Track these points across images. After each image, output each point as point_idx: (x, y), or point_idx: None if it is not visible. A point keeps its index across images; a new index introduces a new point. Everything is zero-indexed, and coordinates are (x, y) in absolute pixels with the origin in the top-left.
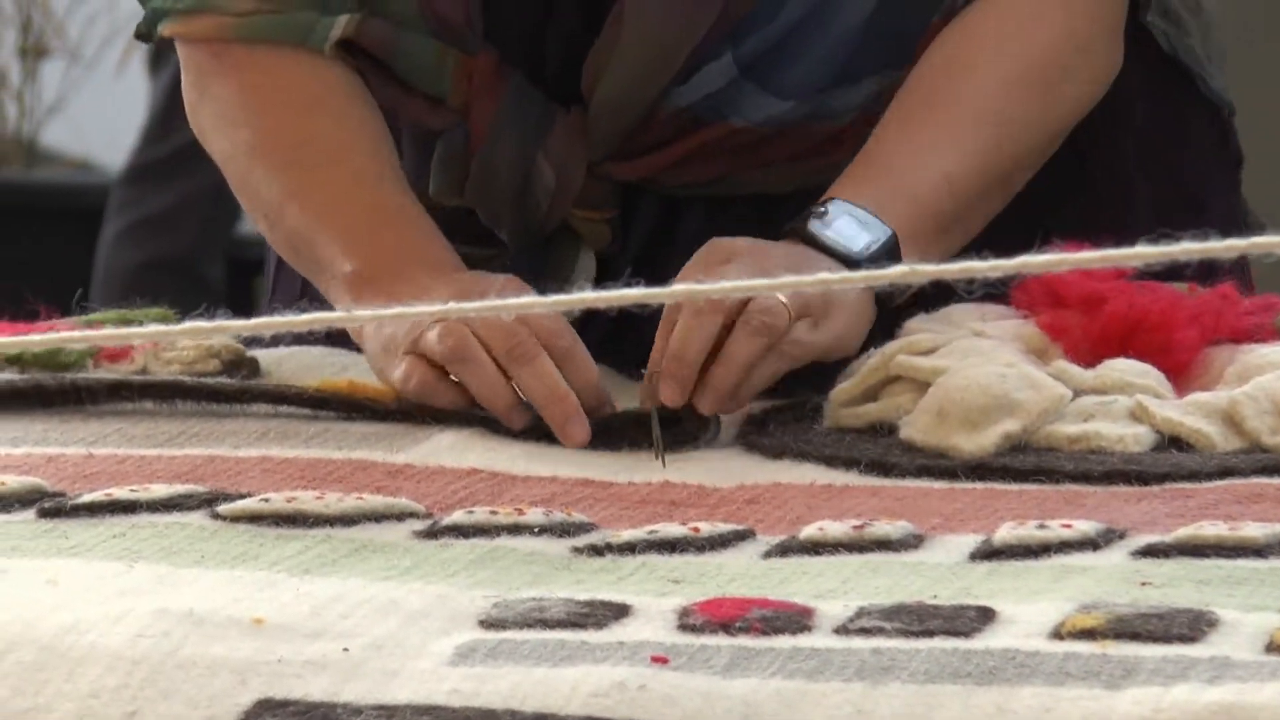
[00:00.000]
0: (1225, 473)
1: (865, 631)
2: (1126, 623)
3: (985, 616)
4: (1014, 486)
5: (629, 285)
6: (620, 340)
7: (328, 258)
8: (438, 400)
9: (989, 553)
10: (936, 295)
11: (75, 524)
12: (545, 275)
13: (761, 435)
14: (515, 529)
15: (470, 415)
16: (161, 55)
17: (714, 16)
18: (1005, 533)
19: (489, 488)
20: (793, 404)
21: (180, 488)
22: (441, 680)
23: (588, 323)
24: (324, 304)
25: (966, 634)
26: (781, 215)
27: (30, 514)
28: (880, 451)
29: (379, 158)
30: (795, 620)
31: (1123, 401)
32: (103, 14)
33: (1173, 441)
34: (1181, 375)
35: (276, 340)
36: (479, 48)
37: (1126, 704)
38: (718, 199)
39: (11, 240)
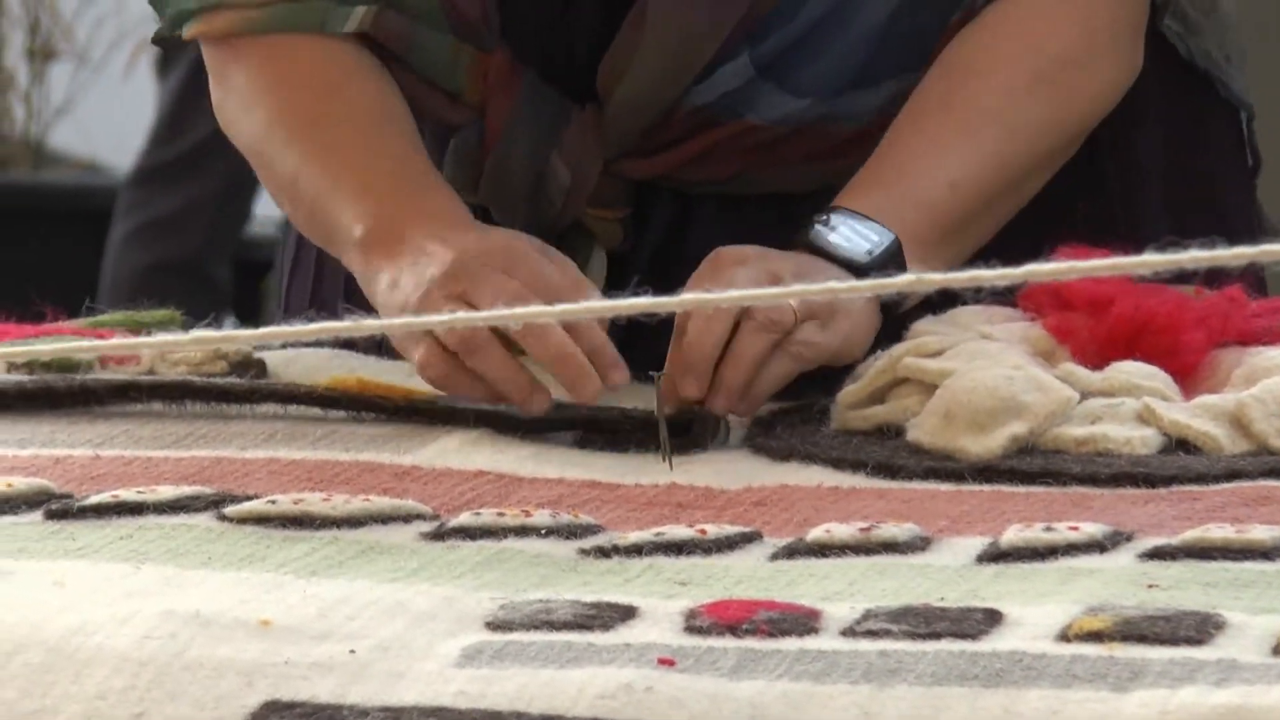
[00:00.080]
0: (1232, 475)
1: (872, 634)
2: (1134, 625)
3: (992, 619)
4: (1021, 489)
5: (638, 293)
6: (630, 347)
7: (341, 224)
8: (456, 391)
9: (996, 555)
10: (943, 299)
11: (82, 525)
12: None
13: (769, 437)
14: (522, 531)
15: (478, 416)
16: (170, 58)
17: (738, 16)
18: (1012, 535)
19: (496, 489)
20: (800, 406)
21: (187, 489)
22: (448, 682)
23: None
24: (334, 312)
25: (973, 636)
26: (797, 215)
27: (37, 515)
28: (887, 454)
29: (392, 123)
30: (802, 622)
31: (1130, 404)
32: (110, 16)
33: (1180, 444)
34: (1189, 378)
35: (284, 342)
36: (495, 44)
37: (1133, 706)
38: (732, 198)
39: (19, 242)
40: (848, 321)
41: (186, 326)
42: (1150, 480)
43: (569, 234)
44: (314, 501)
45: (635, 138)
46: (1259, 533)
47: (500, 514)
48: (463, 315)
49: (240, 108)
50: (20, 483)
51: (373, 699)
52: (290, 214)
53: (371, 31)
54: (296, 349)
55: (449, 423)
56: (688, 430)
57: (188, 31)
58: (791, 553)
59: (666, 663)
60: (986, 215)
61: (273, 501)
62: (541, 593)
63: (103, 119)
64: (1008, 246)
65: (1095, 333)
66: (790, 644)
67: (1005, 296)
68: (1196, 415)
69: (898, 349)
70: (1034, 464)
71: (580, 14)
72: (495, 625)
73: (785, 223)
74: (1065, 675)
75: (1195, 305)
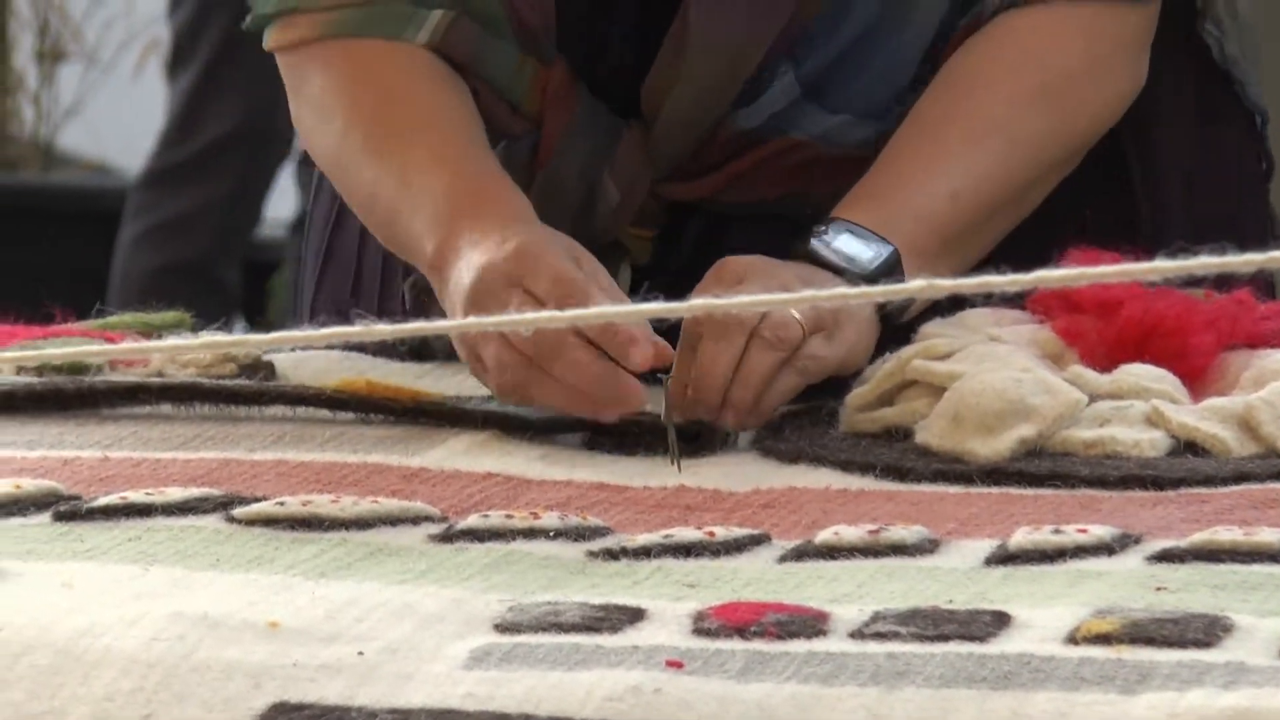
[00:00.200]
0: (1241, 478)
1: (880, 636)
2: (1142, 628)
3: (1000, 621)
4: (1029, 491)
5: (647, 298)
6: None
7: (415, 240)
8: (531, 399)
9: (1004, 557)
10: (951, 304)
11: (91, 527)
12: None
13: (777, 440)
14: (530, 533)
15: (486, 418)
16: (180, 60)
17: (778, 30)
18: (1021, 537)
19: (504, 491)
20: (808, 409)
21: (196, 491)
22: (456, 684)
23: None
24: (345, 317)
25: (982, 639)
26: None
27: (46, 517)
28: (896, 456)
29: (465, 132)
30: (810, 624)
31: (1138, 406)
32: (120, 18)
33: (1188, 446)
34: (1197, 380)
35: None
36: (554, 56)
37: (1141, 709)
38: (762, 217)
39: (28, 243)
40: (853, 330)
41: (196, 329)
42: (1159, 483)
43: (604, 250)
44: (322, 503)
45: (682, 159)
46: (1267, 535)
47: (508, 516)
48: (473, 321)
49: (317, 116)
50: (29, 484)
51: (381, 701)
52: (370, 227)
53: (442, 46)
54: (306, 351)
55: (457, 424)
56: (696, 438)
57: (267, 42)
58: (800, 555)
59: (675, 665)
60: (987, 226)
61: (281, 503)
62: (550, 595)
63: (112, 120)
64: (1015, 254)
65: (1104, 335)
66: (798, 646)
67: (1014, 299)
68: (1205, 418)
69: (906, 351)
70: (1042, 466)
71: (620, 28)
72: (503, 627)
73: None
74: (1073, 678)
75: (1204, 308)
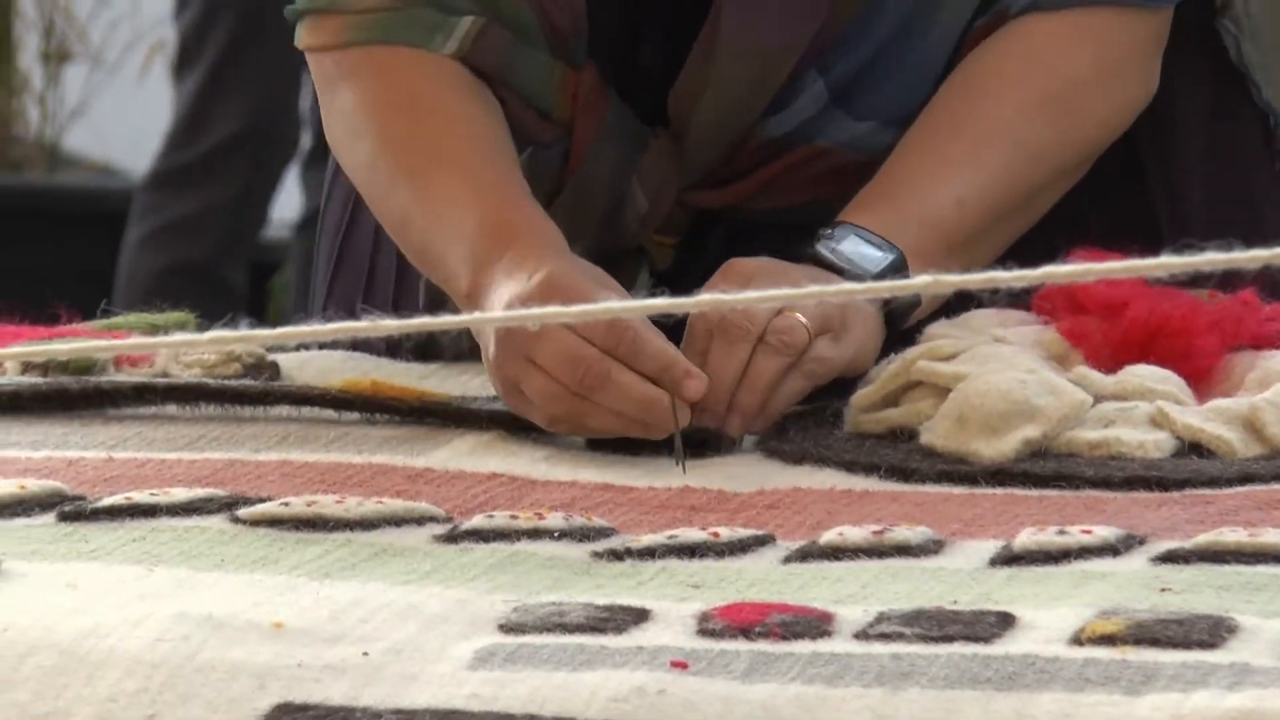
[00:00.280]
0: (1246, 479)
1: (885, 637)
2: (1146, 628)
3: (1005, 622)
4: (1034, 492)
5: (653, 294)
6: None
7: (449, 273)
8: (586, 429)
9: (1009, 558)
10: (956, 306)
11: (95, 528)
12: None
13: (782, 441)
14: (535, 533)
15: (491, 418)
16: (186, 62)
17: (810, 36)
18: (1025, 538)
19: (509, 492)
20: (813, 409)
21: (200, 492)
22: (461, 684)
23: None
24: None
25: (986, 639)
26: None
27: (50, 517)
28: (900, 457)
29: (494, 151)
30: (815, 625)
31: (1143, 408)
32: (125, 19)
33: (1193, 448)
34: (1202, 381)
35: (299, 345)
36: (584, 60)
37: (1146, 710)
38: (787, 225)
39: (33, 243)
40: (859, 332)
41: (200, 329)
42: (1163, 484)
43: (625, 255)
44: (327, 504)
45: (711, 167)
46: (1272, 536)
47: (513, 516)
48: (476, 316)
49: (347, 133)
50: (34, 485)
51: (385, 701)
52: (402, 249)
53: (470, 55)
54: (310, 351)
55: (462, 425)
56: (702, 444)
57: (299, 41)
58: (804, 556)
59: (679, 665)
60: (993, 233)
61: (286, 504)
62: (554, 595)
63: (117, 121)
64: (1025, 259)
65: (1109, 336)
66: (803, 647)
67: (1019, 300)
68: (1210, 419)
69: (911, 352)
70: (1047, 467)
71: (652, 32)
72: (508, 628)
73: None
74: (1078, 679)
75: (1209, 309)
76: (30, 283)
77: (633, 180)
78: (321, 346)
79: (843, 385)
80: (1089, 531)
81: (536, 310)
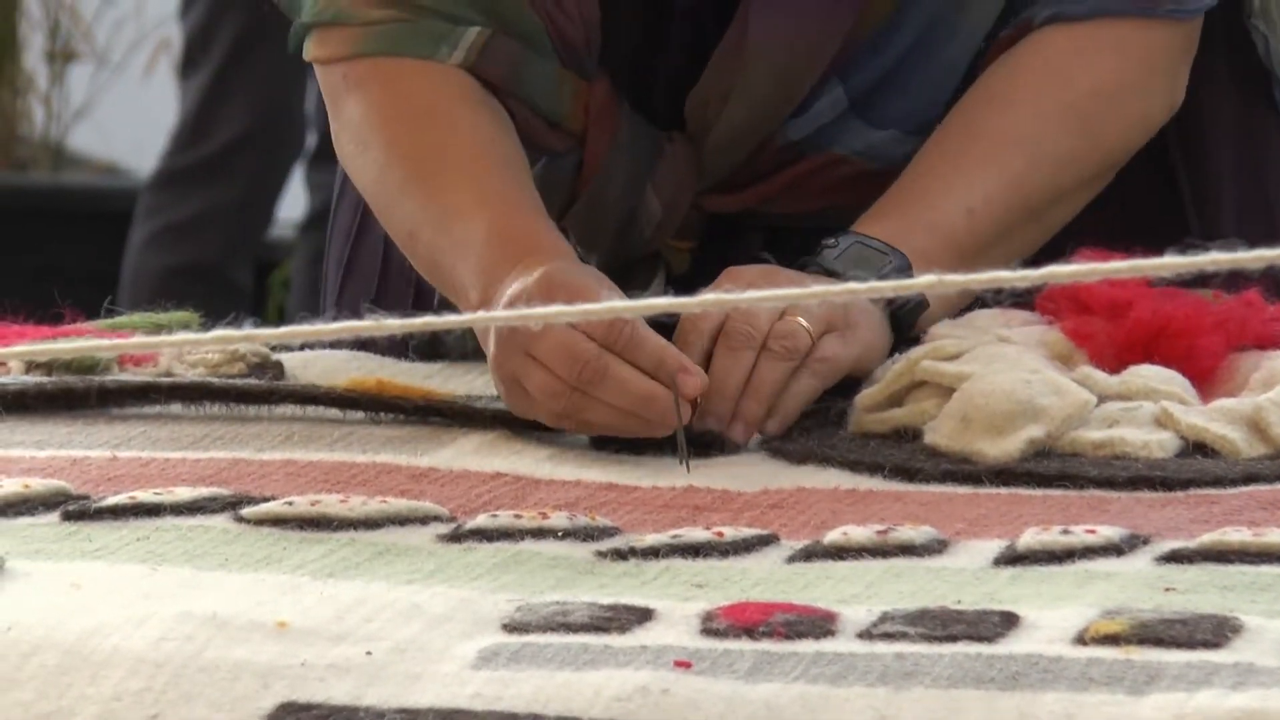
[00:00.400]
0: (1250, 479)
1: (889, 636)
2: (1150, 628)
3: (1009, 622)
4: (1038, 492)
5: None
6: None
7: (461, 286)
8: (588, 420)
9: (1013, 558)
10: (963, 309)
11: (99, 527)
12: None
13: (786, 440)
14: (539, 533)
15: (495, 417)
16: (192, 61)
17: (837, 46)
18: (1029, 538)
19: (513, 491)
20: (817, 409)
21: (204, 491)
22: (464, 684)
23: None
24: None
25: (990, 639)
26: None
27: (54, 517)
28: (904, 457)
29: (503, 163)
30: (818, 625)
31: (1147, 407)
32: (130, 19)
33: (1197, 447)
34: (1206, 381)
35: (303, 344)
36: (595, 72)
37: (1149, 710)
38: (806, 230)
39: (38, 243)
40: (867, 332)
41: (205, 329)
42: (1167, 484)
43: (641, 261)
44: (331, 503)
45: (728, 172)
46: (1276, 536)
47: (517, 516)
48: (478, 315)
49: (355, 145)
50: (37, 484)
51: (389, 701)
52: (411, 262)
53: (477, 65)
54: (315, 350)
55: (466, 424)
56: (707, 447)
57: (307, 53)
58: (808, 555)
59: (683, 665)
60: (1005, 243)
61: (290, 503)
62: (558, 595)
63: (122, 121)
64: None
65: (1113, 336)
66: (807, 646)
67: (1023, 300)
68: (1214, 419)
69: (915, 352)
70: (1051, 467)
71: (671, 42)
72: (512, 627)
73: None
74: (1081, 678)
75: (1213, 309)
76: (35, 282)
77: (647, 187)
78: (328, 346)
79: (847, 385)
80: (1093, 531)
81: (538, 310)
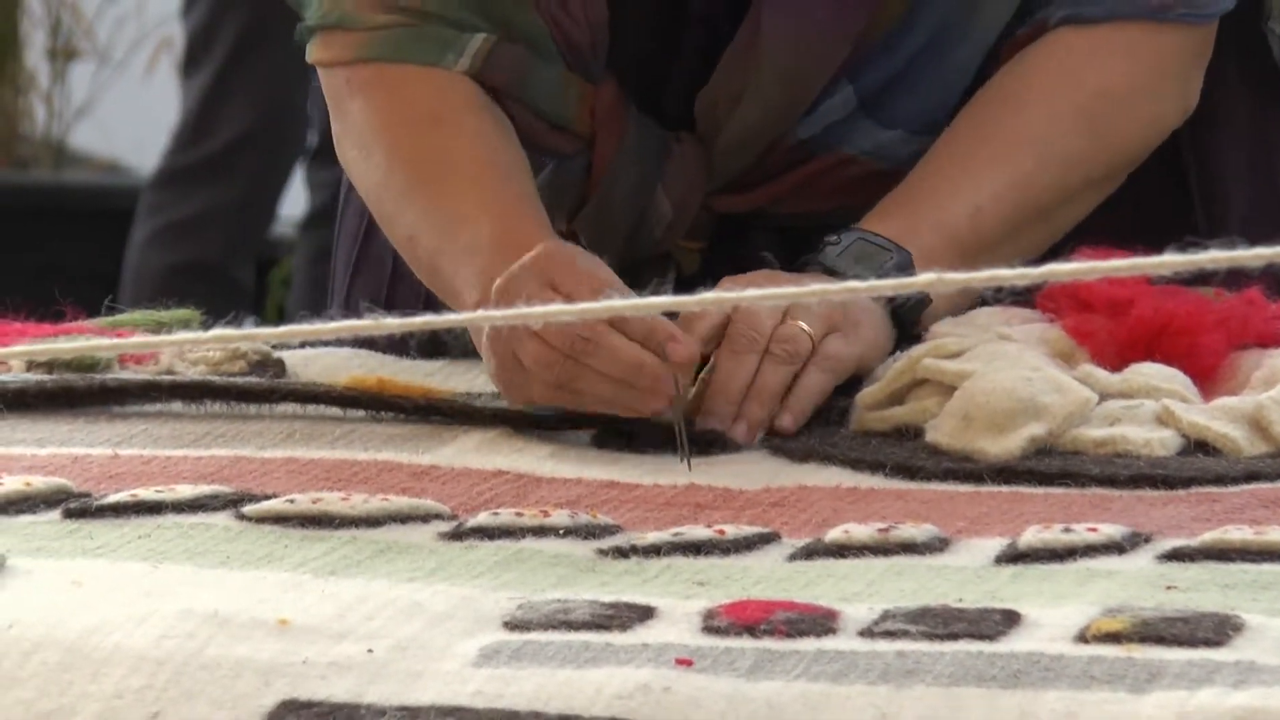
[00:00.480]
0: (1251, 477)
1: (890, 634)
2: (1152, 626)
3: (1010, 620)
4: (1039, 490)
5: (656, 292)
6: None
7: (458, 293)
8: (581, 390)
9: (1014, 556)
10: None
11: (100, 524)
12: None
13: (787, 438)
14: (540, 531)
15: (496, 415)
16: (194, 60)
17: (848, 48)
18: (1031, 536)
19: (514, 489)
20: (819, 407)
21: (206, 488)
22: (466, 682)
23: None
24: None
25: (991, 637)
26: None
27: (55, 514)
28: (906, 455)
29: (507, 174)
30: (820, 623)
31: (1149, 406)
32: (132, 17)
33: (1199, 446)
34: (1208, 379)
35: (304, 342)
36: (601, 76)
37: (1151, 708)
38: (817, 229)
39: (40, 241)
40: (870, 330)
41: (205, 326)
42: (1169, 482)
43: (652, 261)
44: (332, 501)
45: (738, 172)
46: (1278, 534)
47: (518, 514)
48: (479, 314)
49: (358, 149)
50: (39, 481)
51: (390, 699)
52: (411, 266)
53: (482, 74)
54: (316, 348)
55: (468, 422)
56: (709, 445)
57: (310, 55)
58: (810, 553)
59: (684, 663)
60: (1012, 242)
61: (291, 501)
62: (559, 593)
63: (124, 119)
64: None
65: (1114, 334)
66: (808, 644)
67: (1024, 298)
68: (1215, 417)
69: (916, 350)
70: (1052, 465)
71: (683, 44)
72: (513, 625)
73: None
74: (1083, 676)
75: (1214, 307)
76: (36, 280)
77: (657, 188)
78: (329, 344)
79: (848, 383)
80: (1094, 529)
81: (537, 309)
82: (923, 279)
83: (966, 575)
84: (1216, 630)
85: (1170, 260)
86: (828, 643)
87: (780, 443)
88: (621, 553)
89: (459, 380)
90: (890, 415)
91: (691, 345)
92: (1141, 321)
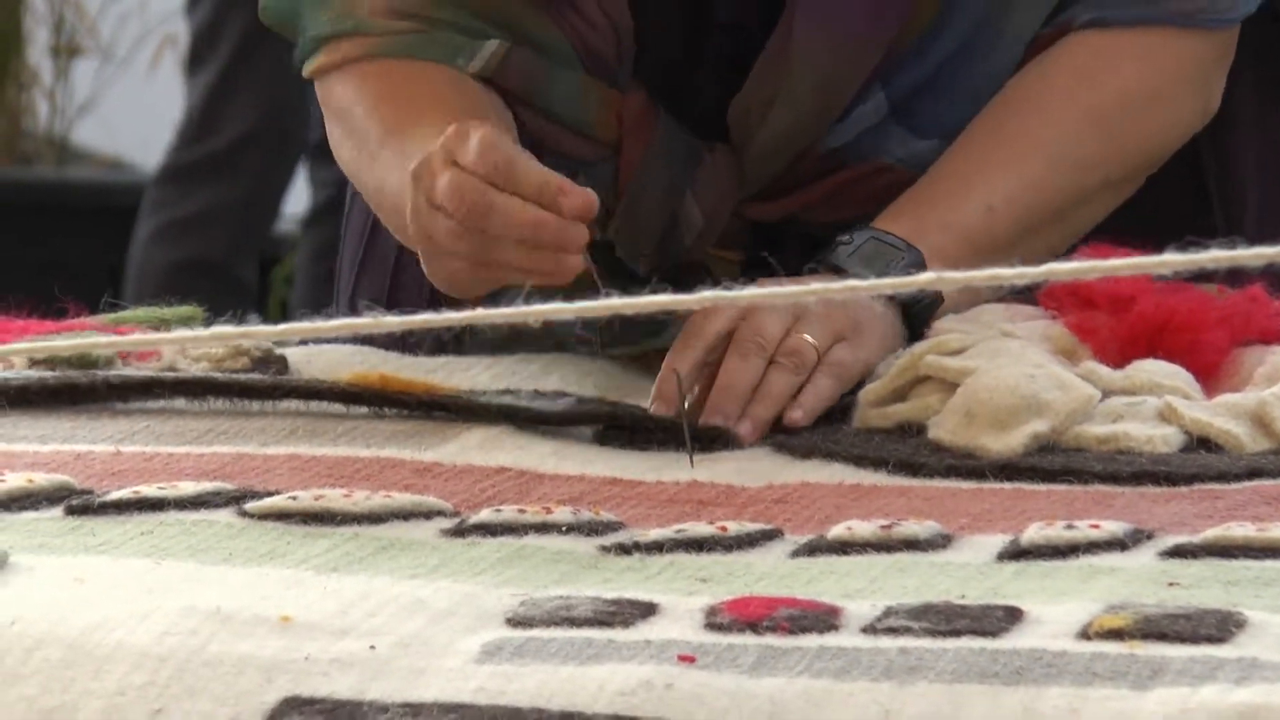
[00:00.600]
0: (1254, 474)
1: (893, 631)
2: (1154, 623)
3: (1013, 616)
4: (1042, 487)
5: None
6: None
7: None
8: (493, 261)
9: (1017, 553)
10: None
11: (103, 521)
12: None
13: (790, 435)
14: (543, 527)
15: (499, 412)
16: (199, 57)
17: (880, 53)
18: (1033, 533)
19: (517, 486)
20: None
21: (208, 485)
22: (468, 678)
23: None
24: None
25: (994, 634)
26: None
27: (58, 511)
28: (909, 451)
29: (477, 110)
30: (822, 619)
31: (1151, 402)
32: (135, 13)
33: (1201, 442)
34: (1210, 376)
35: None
36: (627, 83)
37: (1153, 704)
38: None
39: (43, 238)
40: (875, 334)
41: (209, 324)
42: (1172, 478)
43: (688, 271)
44: (335, 498)
45: (770, 180)
46: None
47: (521, 511)
48: (478, 314)
49: (339, 121)
50: (41, 478)
51: (393, 695)
52: (381, 218)
53: (495, 78)
54: (318, 345)
55: (471, 419)
56: (712, 441)
57: (308, 68)
58: (812, 550)
59: (687, 659)
60: (1027, 243)
61: (294, 497)
62: (562, 589)
63: (127, 116)
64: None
65: (1117, 331)
66: (811, 641)
67: (1027, 295)
68: (1218, 414)
69: (919, 347)
70: (1055, 462)
71: (713, 53)
72: (516, 622)
73: None
74: (1085, 673)
75: (1217, 304)
76: (39, 277)
77: (687, 196)
78: (339, 340)
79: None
80: (1097, 526)
81: (537, 308)
82: (923, 277)
83: (969, 572)
84: (1219, 627)
85: (1170, 259)
86: (830, 639)
87: (783, 439)
88: (624, 549)
89: (461, 377)
90: (893, 412)
91: (585, 193)
92: (1144, 318)
